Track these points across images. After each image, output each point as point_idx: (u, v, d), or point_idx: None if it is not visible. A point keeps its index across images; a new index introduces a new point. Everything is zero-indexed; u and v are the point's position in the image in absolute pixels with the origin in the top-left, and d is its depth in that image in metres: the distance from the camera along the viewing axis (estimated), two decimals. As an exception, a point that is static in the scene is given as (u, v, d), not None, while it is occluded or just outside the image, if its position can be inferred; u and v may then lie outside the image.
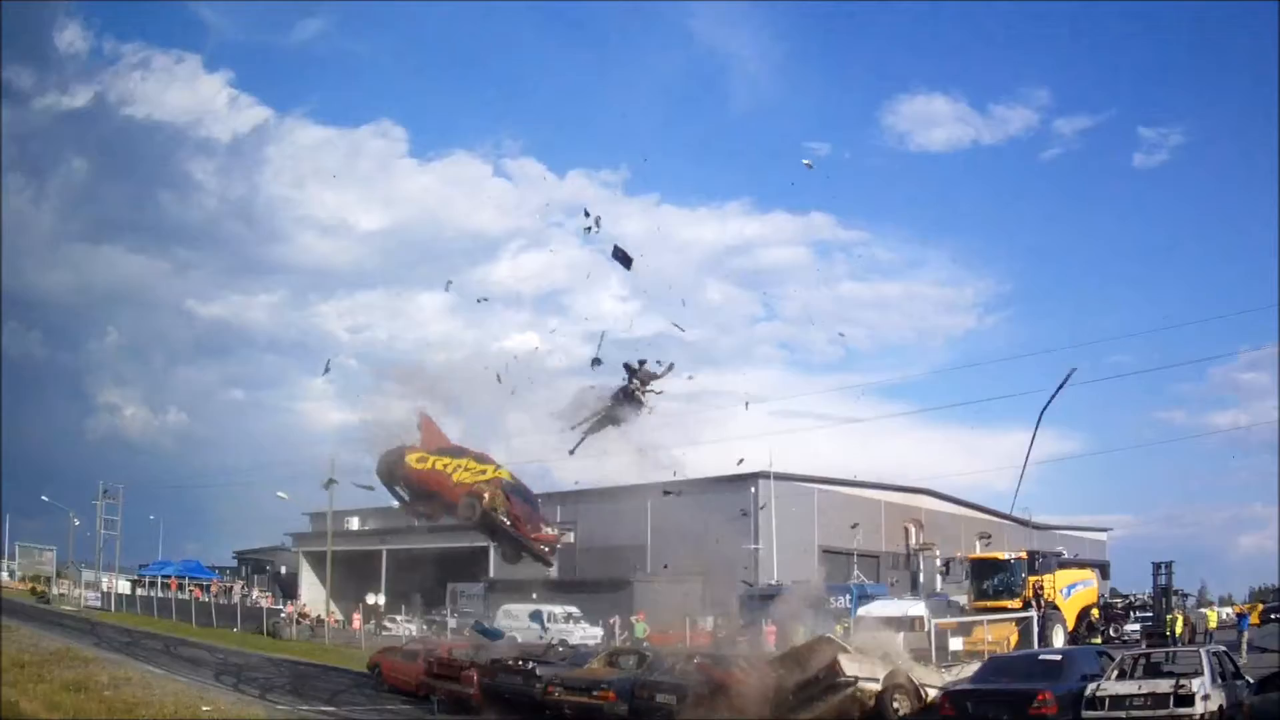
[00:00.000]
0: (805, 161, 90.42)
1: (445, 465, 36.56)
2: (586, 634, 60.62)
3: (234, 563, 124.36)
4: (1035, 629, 42.69)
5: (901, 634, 44.97)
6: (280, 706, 34.49)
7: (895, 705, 27.34)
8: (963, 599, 51.04)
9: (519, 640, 53.40)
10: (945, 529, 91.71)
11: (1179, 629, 50.49)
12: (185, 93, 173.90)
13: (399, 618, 76.57)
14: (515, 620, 63.52)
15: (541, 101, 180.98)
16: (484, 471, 36.16)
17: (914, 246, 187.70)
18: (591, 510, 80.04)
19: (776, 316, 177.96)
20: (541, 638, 53.24)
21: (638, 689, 30.04)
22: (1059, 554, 57.81)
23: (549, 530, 39.10)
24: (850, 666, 26.89)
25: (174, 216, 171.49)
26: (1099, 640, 47.69)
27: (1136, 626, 54.78)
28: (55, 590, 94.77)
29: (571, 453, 36.12)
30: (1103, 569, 65.38)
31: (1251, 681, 26.39)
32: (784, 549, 76.86)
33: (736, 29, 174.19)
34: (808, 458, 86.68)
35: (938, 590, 65.24)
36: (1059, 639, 45.22)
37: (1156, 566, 53.75)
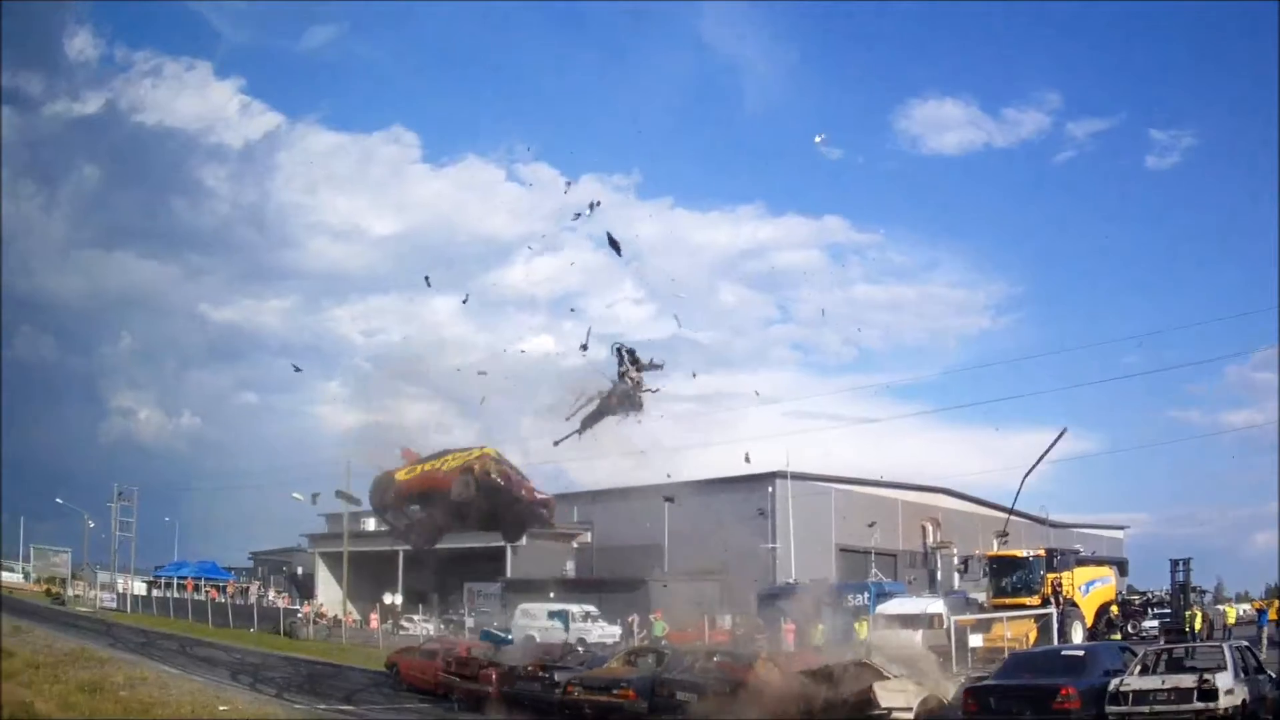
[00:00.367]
0: (817, 138, 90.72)
1: (433, 465, 36.91)
2: (605, 632, 60.53)
3: (250, 564, 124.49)
4: (1055, 626, 42.54)
5: (920, 631, 44.97)
6: (298, 706, 34.43)
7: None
8: (981, 596, 50.88)
9: (537, 639, 53.47)
10: (962, 528, 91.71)
11: (1198, 625, 50.35)
12: (196, 99, 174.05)
13: (416, 617, 76.52)
14: (533, 619, 63.43)
15: (554, 106, 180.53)
16: (470, 452, 36.61)
17: (927, 249, 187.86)
18: (608, 511, 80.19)
19: (791, 319, 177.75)
20: (565, 639, 52.96)
21: (657, 687, 29.92)
22: (1076, 551, 57.61)
23: (542, 494, 39.27)
24: (886, 698, 26.43)
25: (186, 223, 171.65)
26: (1118, 637, 47.47)
27: (1155, 623, 54.62)
28: (70, 592, 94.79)
29: (557, 444, 36.22)
30: (1121, 566, 65.11)
31: (1274, 676, 26.28)
32: (801, 548, 76.82)
33: (748, 33, 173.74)
34: (824, 458, 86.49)
35: (955, 588, 65.13)
36: (1078, 636, 44.97)
37: (1174, 563, 53.66)
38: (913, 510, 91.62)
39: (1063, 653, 30.88)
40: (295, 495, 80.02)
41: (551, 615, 63.59)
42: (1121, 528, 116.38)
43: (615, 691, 30.51)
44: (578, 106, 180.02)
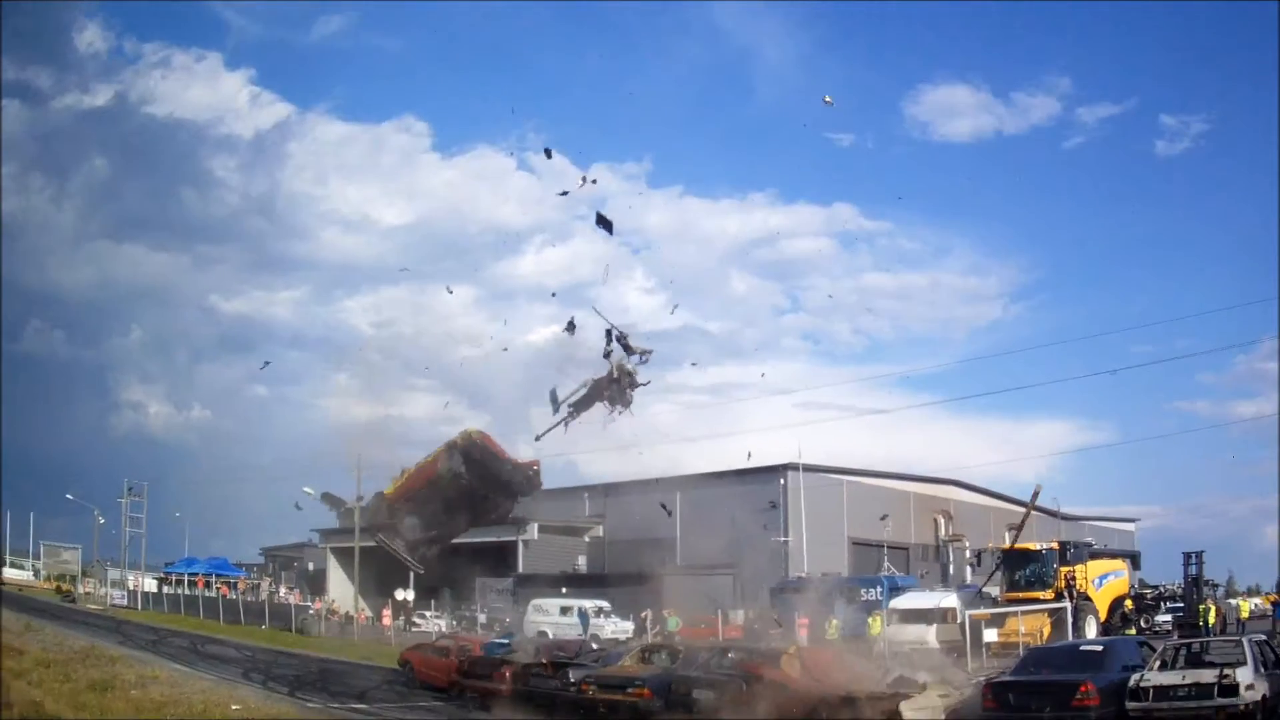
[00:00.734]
0: (826, 98, 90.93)
1: (420, 465, 36.81)
2: (617, 628, 60.40)
3: (261, 559, 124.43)
4: (1069, 620, 42.34)
5: (933, 626, 44.84)
6: (310, 704, 34.24)
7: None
8: (994, 590, 50.70)
9: (550, 635, 53.34)
10: (974, 520, 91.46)
11: (1212, 619, 50.14)
12: (206, 91, 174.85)
13: (428, 613, 76.46)
14: (545, 615, 63.40)
15: (564, 95, 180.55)
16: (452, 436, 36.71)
17: (938, 236, 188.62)
18: (620, 504, 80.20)
19: (801, 308, 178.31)
20: (581, 636, 52.71)
21: (673, 685, 29.72)
22: (1090, 544, 57.41)
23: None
24: (912, 716, 26.22)
25: (196, 214, 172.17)
26: (1133, 631, 47.26)
27: (1168, 617, 54.42)
28: (80, 589, 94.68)
29: (538, 439, 36.16)
30: (1133, 559, 64.88)
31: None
32: (813, 541, 76.64)
33: (759, 20, 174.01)
34: (836, 449, 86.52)
35: (967, 581, 64.94)
36: (1091, 630, 44.78)
37: (1187, 556, 53.37)
38: (924, 503, 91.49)
39: (1081, 648, 30.71)
40: (306, 490, 79.93)
41: (564, 611, 63.51)
42: (1133, 520, 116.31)
43: (630, 690, 30.29)
44: (588, 95, 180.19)
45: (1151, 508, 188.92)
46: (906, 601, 49.57)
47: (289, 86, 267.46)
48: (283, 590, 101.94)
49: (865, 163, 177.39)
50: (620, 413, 35.66)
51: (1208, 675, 23.49)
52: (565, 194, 44.58)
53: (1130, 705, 23.67)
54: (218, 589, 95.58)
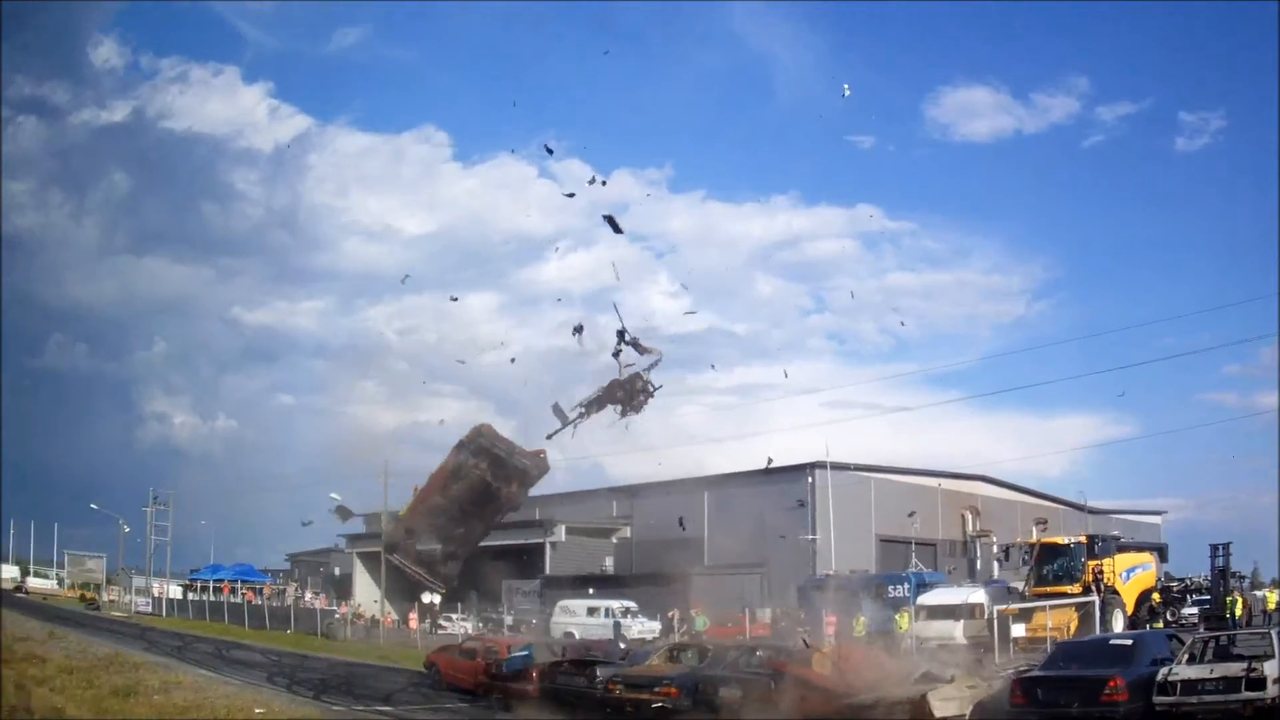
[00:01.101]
0: (845, 89, 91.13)
1: (432, 475, 36.69)
2: (645, 628, 60.36)
3: (288, 565, 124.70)
4: (1096, 614, 42.12)
5: (961, 622, 44.66)
6: (336, 707, 34.25)
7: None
8: (1021, 585, 50.44)
9: (577, 636, 53.31)
10: (1001, 515, 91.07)
11: (1239, 611, 49.77)
12: (225, 104, 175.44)
13: (455, 616, 76.46)
14: (572, 616, 63.36)
15: (584, 102, 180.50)
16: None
17: (961, 235, 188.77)
18: (647, 504, 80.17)
19: (826, 309, 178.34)
20: (614, 638, 52.53)
21: (700, 684, 29.62)
22: (1117, 538, 57.03)
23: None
24: (940, 707, 26.03)
25: (217, 227, 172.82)
26: (1160, 625, 46.96)
27: (1194, 610, 54.07)
28: (105, 597, 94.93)
29: (549, 438, 35.94)
30: (1161, 552, 64.40)
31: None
32: (841, 539, 76.50)
33: (778, 24, 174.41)
34: (862, 447, 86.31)
35: (994, 576, 64.66)
36: (1119, 624, 44.50)
37: (1214, 548, 52.86)
38: (952, 498, 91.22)
39: (1110, 642, 30.44)
40: (333, 495, 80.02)
41: (590, 612, 63.44)
42: (1159, 513, 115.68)
43: (658, 689, 30.18)
44: (608, 102, 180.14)
45: (1178, 500, 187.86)
46: (934, 597, 49.35)
47: (308, 99, 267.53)
48: (308, 595, 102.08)
49: (887, 164, 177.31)
50: (629, 418, 35.51)
51: (1235, 669, 23.31)
52: (572, 195, 44.72)
53: (1157, 700, 23.51)
54: (243, 595, 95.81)
